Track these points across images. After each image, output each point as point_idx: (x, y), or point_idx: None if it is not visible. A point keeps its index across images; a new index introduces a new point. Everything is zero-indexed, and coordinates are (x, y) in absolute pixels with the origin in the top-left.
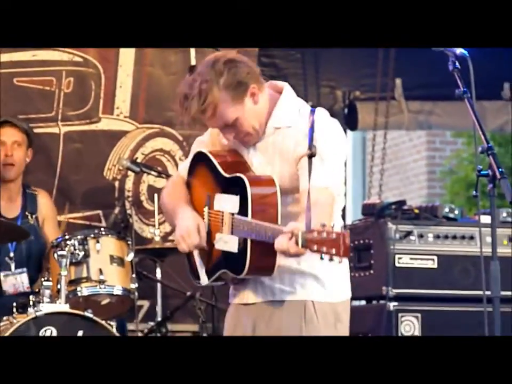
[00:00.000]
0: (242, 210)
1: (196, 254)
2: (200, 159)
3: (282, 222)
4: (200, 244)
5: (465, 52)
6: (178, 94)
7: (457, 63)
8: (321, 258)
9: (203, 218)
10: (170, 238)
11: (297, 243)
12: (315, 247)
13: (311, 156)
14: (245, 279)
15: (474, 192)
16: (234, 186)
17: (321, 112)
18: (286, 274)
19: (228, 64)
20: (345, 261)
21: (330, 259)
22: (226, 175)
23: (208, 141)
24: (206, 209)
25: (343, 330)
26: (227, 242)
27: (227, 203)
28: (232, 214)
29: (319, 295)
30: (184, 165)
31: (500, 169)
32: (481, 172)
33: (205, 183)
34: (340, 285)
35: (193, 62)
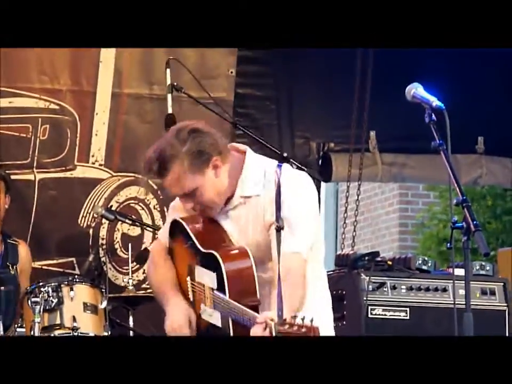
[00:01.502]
0: (220, 287)
1: None
2: (177, 228)
3: (262, 290)
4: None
5: (441, 105)
6: (144, 158)
7: (433, 116)
8: None
9: (187, 287)
10: (143, 286)
11: (271, 333)
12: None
13: (278, 229)
14: None
15: (448, 244)
16: (210, 262)
17: (286, 172)
18: None
19: (192, 134)
20: (330, 312)
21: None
22: (202, 250)
23: (181, 206)
24: (188, 279)
25: None
26: (211, 316)
27: (206, 277)
28: (212, 289)
29: None
30: (164, 232)
31: (475, 222)
32: (456, 224)
33: (184, 253)
34: None
35: (169, 111)
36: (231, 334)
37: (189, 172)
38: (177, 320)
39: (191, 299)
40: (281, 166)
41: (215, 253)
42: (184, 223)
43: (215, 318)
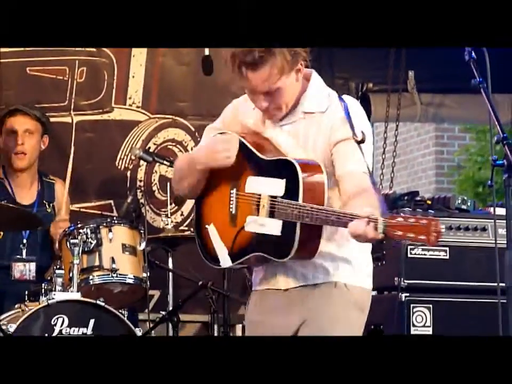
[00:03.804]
0: (291, 194)
1: (214, 235)
2: None
3: None
4: (232, 154)
5: None
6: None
7: (473, 53)
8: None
9: (228, 201)
10: (181, 228)
11: (376, 228)
12: (399, 233)
13: (360, 142)
14: (276, 265)
15: (489, 182)
16: (277, 169)
17: (352, 99)
18: (318, 260)
19: None
20: (368, 252)
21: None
22: (266, 158)
23: (222, 127)
24: (234, 191)
25: (364, 318)
26: (264, 225)
27: (265, 186)
28: (274, 197)
29: (351, 279)
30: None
31: None
32: (497, 162)
33: (229, 167)
34: (368, 272)
35: (206, 52)
36: (297, 240)
37: (280, 70)
38: (219, 139)
39: (233, 211)
40: (341, 96)
41: (291, 160)
42: (239, 136)
43: (271, 227)
